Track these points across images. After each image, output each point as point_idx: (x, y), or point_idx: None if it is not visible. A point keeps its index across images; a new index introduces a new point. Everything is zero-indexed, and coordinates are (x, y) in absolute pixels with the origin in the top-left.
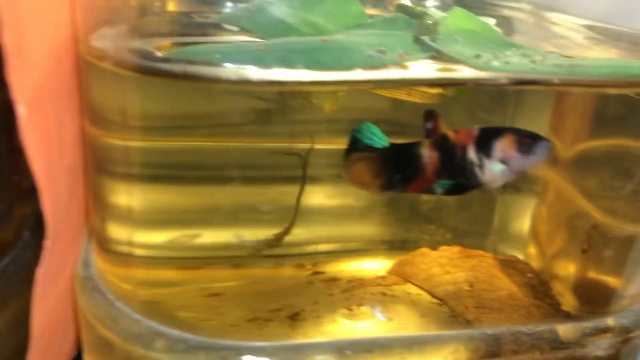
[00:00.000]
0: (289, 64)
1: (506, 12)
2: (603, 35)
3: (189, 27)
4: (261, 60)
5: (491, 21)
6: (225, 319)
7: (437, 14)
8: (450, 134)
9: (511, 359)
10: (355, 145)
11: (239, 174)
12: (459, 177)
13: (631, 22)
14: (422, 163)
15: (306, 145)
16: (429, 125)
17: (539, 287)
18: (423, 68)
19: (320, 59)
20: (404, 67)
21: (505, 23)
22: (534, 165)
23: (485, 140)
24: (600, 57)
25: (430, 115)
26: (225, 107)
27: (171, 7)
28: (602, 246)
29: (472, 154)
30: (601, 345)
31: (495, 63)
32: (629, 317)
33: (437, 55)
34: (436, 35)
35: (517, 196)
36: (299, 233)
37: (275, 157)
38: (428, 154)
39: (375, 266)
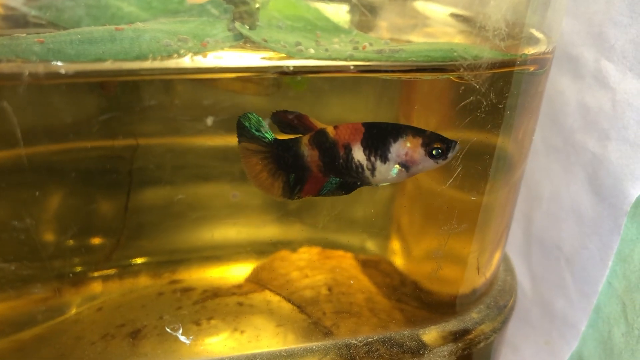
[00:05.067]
0: (64, 56)
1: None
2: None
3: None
4: (35, 53)
5: (344, 7)
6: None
7: None
8: (330, 129)
9: None
10: (243, 135)
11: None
12: (346, 176)
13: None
14: (306, 161)
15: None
16: (281, 126)
17: (402, 288)
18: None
19: (110, 49)
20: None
21: (369, 10)
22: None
23: (376, 140)
24: (426, 42)
25: (276, 117)
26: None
27: None
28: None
29: (359, 154)
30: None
31: (312, 51)
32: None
33: (248, 43)
34: (256, 22)
35: (382, 189)
36: (152, 241)
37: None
38: (308, 152)
39: (237, 273)
